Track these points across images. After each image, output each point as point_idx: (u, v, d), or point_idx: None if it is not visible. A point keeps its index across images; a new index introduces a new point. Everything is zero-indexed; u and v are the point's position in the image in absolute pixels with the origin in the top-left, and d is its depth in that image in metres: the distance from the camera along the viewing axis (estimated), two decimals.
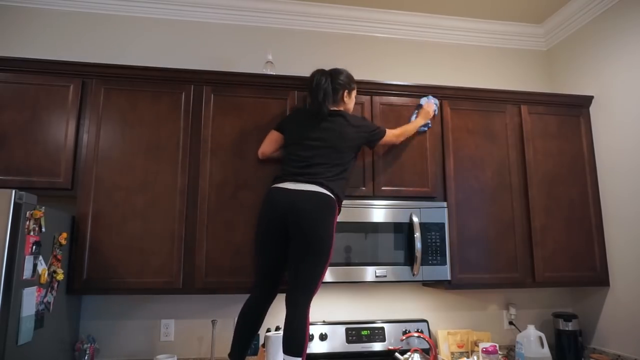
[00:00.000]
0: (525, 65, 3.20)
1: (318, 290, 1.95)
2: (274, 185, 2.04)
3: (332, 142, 2.08)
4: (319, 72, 2.19)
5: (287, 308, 1.90)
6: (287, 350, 1.82)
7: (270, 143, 2.28)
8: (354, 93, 2.27)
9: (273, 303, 2.08)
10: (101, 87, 2.27)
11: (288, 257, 1.99)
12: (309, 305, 1.91)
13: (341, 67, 2.98)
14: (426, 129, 2.50)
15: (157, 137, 2.27)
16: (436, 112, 2.51)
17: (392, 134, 2.31)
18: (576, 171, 2.65)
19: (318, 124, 2.12)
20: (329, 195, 1.98)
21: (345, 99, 2.22)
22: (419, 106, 2.50)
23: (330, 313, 2.62)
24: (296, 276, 1.92)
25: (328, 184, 2.00)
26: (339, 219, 2.25)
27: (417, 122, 2.43)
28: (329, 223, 1.96)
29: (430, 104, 2.48)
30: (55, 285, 1.93)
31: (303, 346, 1.82)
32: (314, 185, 1.98)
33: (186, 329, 2.47)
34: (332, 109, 2.16)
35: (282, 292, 2.05)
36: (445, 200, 2.47)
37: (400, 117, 2.51)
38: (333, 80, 2.18)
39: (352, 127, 2.13)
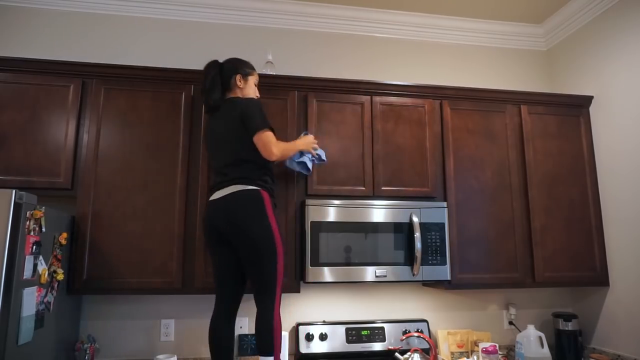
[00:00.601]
0: (525, 65, 3.20)
1: (280, 286, 1.91)
2: (208, 200, 2.02)
3: (226, 134, 1.98)
4: (210, 63, 2.12)
5: (257, 310, 1.89)
6: (259, 351, 1.83)
7: None
8: (251, 78, 2.14)
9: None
10: (101, 87, 2.27)
11: (241, 266, 1.98)
12: (277, 304, 1.88)
13: (340, 67, 2.99)
14: (307, 162, 2.17)
15: (157, 137, 2.27)
16: (316, 158, 2.21)
17: (271, 140, 1.93)
18: (576, 171, 2.65)
19: (215, 120, 2.05)
20: (249, 190, 1.90)
21: (239, 84, 2.09)
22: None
23: (330, 313, 2.62)
24: (254, 280, 1.90)
25: (242, 177, 1.92)
26: (338, 218, 2.26)
27: (295, 142, 2.12)
28: (261, 217, 1.88)
29: (309, 136, 2.20)
30: (56, 285, 1.93)
31: (273, 344, 1.82)
32: (231, 187, 1.91)
33: (186, 329, 2.46)
34: (226, 98, 2.09)
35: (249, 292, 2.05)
36: (445, 200, 2.47)
37: (400, 117, 2.51)
38: (222, 67, 2.10)
39: (236, 111, 1.98)
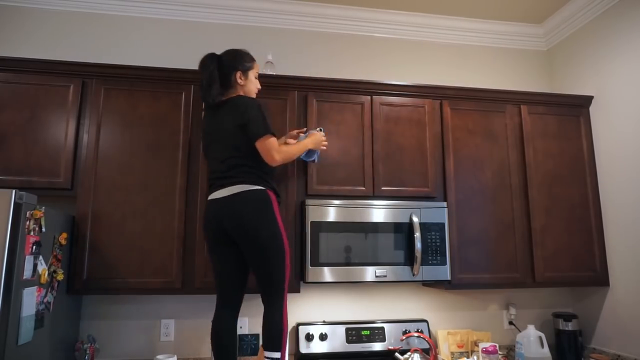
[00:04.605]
0: (525, 65, 3.20)
1: (287, 284, 1.90)
2: (208, 198, 1.96)
3: (229, 135, 1.92)
4: (207, 57, 2.00)
5: (264, 307, 1.88)
6: (266, 347, 1.81)
7: None
8: (252, 72, 2.04)
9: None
10: (101, 87, 2.27)
11: (242, 264, 1.95)
12: (284, 301, 1.87)
13: (340, 67, 2.97)
14: (313, 159, 2.24)
15: (157, 137, 2.27)
16: (318, 155, 2.25)
17: (273, 146, 1.89)
18: (576, 171, 2.65)
19: (214, 117, 1.98)
20: (255, 190, 1.87)
21: (239, 81, 2.00)
22: (309, 131, 2.24)
23: (330, 313, 2.62)
24: (261, 280, 1.88)
25: (249, 178, 1.88)
26: (338, 218, 2.26)
27: (304, 142, 2.12)
28: (269, 218, 1.86)
29: (321, 134, 2.21)
30: (56, 285, 1.93)
31: (281, 340, 1.81)
32: (237, 186, 1.86)
33: (186, 329, 2.46)
34: (226, 97, 1.99)
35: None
36: (445, 200, 2.47)
37: (400, 117, 2.51)
38: (221, 65, 1.99)
39: (238, 112, 1.91)
